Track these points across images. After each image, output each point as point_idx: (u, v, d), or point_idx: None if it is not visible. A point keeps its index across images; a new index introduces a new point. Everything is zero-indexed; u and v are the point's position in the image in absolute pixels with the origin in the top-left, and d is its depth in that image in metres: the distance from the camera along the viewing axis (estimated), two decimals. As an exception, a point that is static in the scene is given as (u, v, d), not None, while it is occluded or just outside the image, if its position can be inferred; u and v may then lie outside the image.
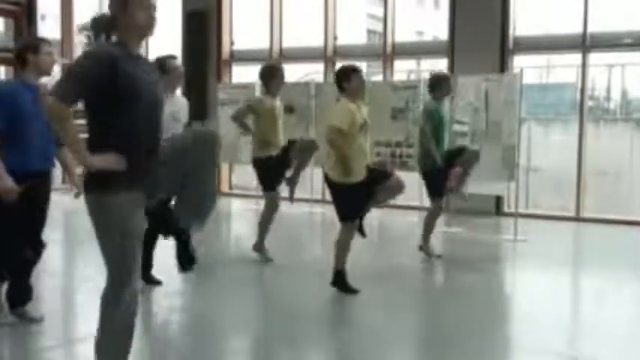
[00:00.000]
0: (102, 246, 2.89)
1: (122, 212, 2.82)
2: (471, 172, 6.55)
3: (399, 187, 5.20)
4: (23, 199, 4.05)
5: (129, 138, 2.82)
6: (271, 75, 6.22)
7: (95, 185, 2.83)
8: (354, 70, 5.13)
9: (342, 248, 5.15)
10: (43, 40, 4.36)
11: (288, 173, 6.25)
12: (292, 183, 6.19)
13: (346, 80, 5.07)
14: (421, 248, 6.58)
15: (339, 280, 5.16)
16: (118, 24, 2.87)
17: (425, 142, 6.41)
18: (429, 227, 6.57)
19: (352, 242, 5.20)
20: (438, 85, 6.48)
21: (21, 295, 4.38)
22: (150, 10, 2.88)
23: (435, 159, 6.29)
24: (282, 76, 6.25)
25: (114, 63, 2.74)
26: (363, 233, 5.27)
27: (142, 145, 2.86)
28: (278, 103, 6.32)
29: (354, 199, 5.04)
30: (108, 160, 2.77)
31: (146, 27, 2.89)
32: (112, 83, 2.73)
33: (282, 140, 6.27)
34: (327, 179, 5.18)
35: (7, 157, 3.99)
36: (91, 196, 2.86)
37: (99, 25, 2.92)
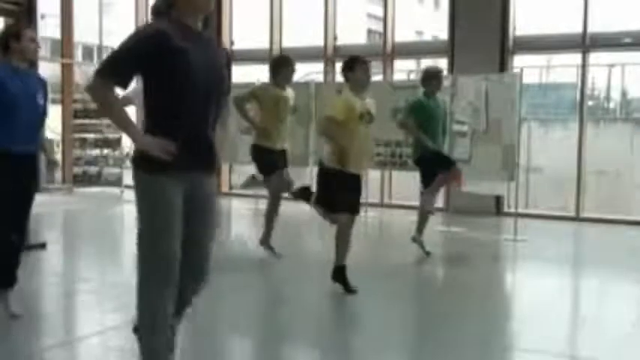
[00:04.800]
0: (140, 228, 2.76)
1: (166, 193, 2.69)
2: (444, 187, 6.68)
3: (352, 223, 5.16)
4: (9, 183, 4.11)
5: (178, 119, 2.70)
6: (278, 65, 6.15)
7: (142, 161, 2.71)
8: (360, 61, 5.09)
9: (342, 243, 5.12)
10: (26, 27, 4.37)
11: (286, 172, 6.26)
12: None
13: (350, 70, 5.05)
14: (414, 239, 6.61)
15: (339, 276, 5.14)
16: (176, 2, 2.75)
17: (412, 134, 6.55)
18: (422, 218, 6.61)
19: (352, 240, 5.18)
20: (428, 80, 6.54)
21: (4, 277, 4.34)
22: None
23: (427, 145, 6.33)
24: (289, 66, 6.13)
25: (163, 39, 2.61)
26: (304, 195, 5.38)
27: (197, 121, 2.74)
28: (287, 94, 6.18)
29: (342, 191, 5.00)
30: (157, 146, 2.64)
31: (205, 2, 2.79)
32: (159, 61, 2.61)
33: (285, 135, 6.20)
34: (320, 167, 5.16)
35: None
36: (137, 172, 2.76)
37: (158, 7, 2.83)
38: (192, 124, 2.75)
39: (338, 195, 5.03)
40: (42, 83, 4.46)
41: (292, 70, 6.19)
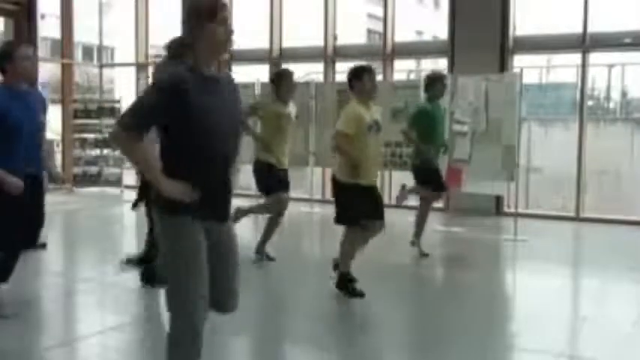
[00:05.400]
0: (168, 270, 2.79)
1: (190, 238, 2.72)
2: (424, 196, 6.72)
3: (379, 229, 5.13)
4: (15, 204, 4.11)
5: (199, 167, 2.71)
6: (279, 79, 6.07)
7: (165, 204, 2.71)
8: (367, 70, 5.02)
9: (345, 252, 5.10)
10: (20, 46, 4.24)
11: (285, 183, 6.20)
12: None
13: (357, 80, 4.97)
14: (413, 243, 6.69)
15: (342, 284, 5.10)
16: (193, 43, 2.71)
17: (413, 144, 6.60)
18: (420, 223, 6.69)
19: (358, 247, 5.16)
20: (433, 84, 6.54)
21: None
22: (227, 23, 2.71)
23: (426, 155, 6.39)
24: (290, 80, 6.08)
25: (185, 93, 2.60)
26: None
27: (213, 175, 2.76)
28: (289, 111, 6.12)
29: (358, 201, 4.95)
30: (178, 190, 2.66)
31: (225, 42, 2.72)
32: (182, 114, 2.62)
33: (286, 151, 6.12)
34: (333, 180, 5.09)
35: None
36: (160, 215, 2.76)
37: (174, 48, 2.79)
38: (211, 173, 2.75)
39: (356, 207, 4.96)
40: (42, 101, 4.43)
41: (294, 84, 6.16)
